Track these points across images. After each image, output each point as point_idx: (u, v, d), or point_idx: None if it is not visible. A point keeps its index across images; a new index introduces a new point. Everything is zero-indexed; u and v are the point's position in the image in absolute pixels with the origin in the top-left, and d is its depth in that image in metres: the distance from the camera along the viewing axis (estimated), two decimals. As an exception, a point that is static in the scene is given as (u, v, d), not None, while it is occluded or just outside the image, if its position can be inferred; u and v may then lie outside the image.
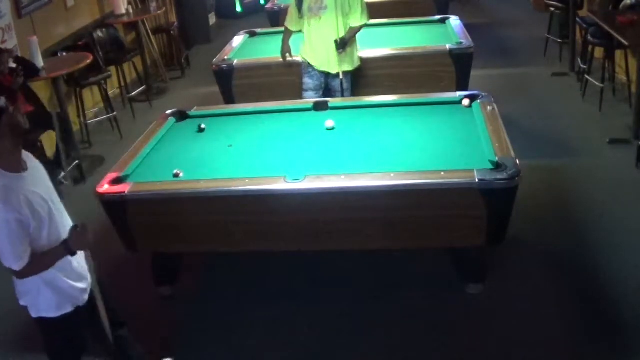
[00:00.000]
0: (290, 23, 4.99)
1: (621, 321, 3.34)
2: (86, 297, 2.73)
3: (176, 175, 3.53)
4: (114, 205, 3.45)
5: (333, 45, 4.75)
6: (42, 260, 2.49)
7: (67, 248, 2.50)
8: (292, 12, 4.93)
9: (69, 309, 2.67)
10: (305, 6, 4.81)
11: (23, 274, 2.48)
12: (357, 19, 4.78)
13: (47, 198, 2.53)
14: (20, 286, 2.63)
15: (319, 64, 4.90)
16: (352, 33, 4.81)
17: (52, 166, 5.22)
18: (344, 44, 4.78)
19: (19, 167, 2.48)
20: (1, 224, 2.37)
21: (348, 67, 4.92)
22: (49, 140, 5.44)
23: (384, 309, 3.61)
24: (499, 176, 3.14)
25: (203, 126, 4.17)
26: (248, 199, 3.37)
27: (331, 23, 4.74)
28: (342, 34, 4.75)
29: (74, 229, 2.53)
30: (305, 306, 3.69)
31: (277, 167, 3.55)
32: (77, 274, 2.68)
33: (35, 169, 2.59)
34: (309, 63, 4.97)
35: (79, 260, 2.68)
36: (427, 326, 3.44)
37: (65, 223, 2.65)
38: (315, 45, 4.87)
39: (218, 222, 3.50)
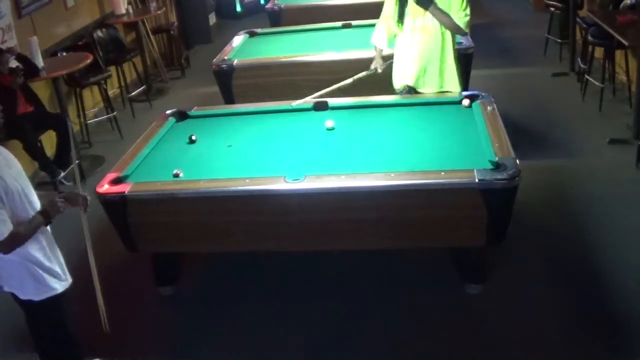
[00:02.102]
0: (383, 39, 4.45)
1: (621, 321, 3.34)
2: (69, 280, 2.89)
3: (176, 175, 3.53)
4: (114, 205, 3.45)
5: (441, 60, 4.24)
6: (21, 229, 2.61)
7: (46, 215, 2.71)
8: (388, 22, 4.36)
9: (57, 289, 2.79)
10: (405, 20, 4.23)
11: (8, 244, 2.58)
12: (455, 16, 4.11)
13: (19, 181, 2.69)
14: (3, 270, 2.72)
15: (427, 85, 4.35)
16: (444, 19, 4.10)
17: (52, 166, 5.22)
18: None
19: None
20: None
21: (454, 88, 4.33)
22: (49, 140, 5.44)
23: (384, 309, 3.61)
24: (499, 176, 3.14)
25: (194, 137, 4.02)
26: (248, 199, 3.37)
27: (437, 33, 4.18)
28: (448, 46, 4.23)
29: (50, 197, 2.78)
30: (305, 306, 3.68)
31: (277, 167, 3.55)
32: (59, 260, 2.86)
33: (6, 155, 2.71)
34: (407, 87, 4.37)
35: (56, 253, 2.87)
36: (427, 326, 3.44)
37: (35, 207, 2.78)
38: (418, 62, 4.29)
39: (218, 222, 3.50)
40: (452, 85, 4.36)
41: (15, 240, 2.60)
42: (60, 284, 2.83)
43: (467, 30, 4.22)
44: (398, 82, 4.45)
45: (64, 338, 2.94)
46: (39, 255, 2.73)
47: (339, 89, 4.58)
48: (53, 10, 6.21)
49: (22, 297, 2.77)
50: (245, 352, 3.41)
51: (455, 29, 4.20)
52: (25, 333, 3.03)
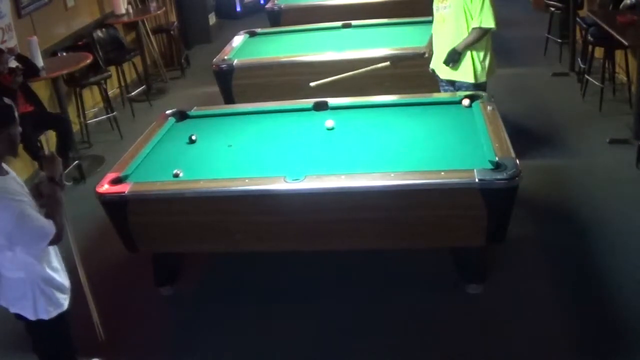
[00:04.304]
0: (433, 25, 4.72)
1: (621, 321, 3.34)
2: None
3: (176, 175, 3.53)
4: (114, 205, 3.45)
5: (447, 48, 4.45)
6: (57, 218, 2.57)
7: (50, 178, 2.64)
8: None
9: (64, 305, 2.73)
10: (434, 5, 4.58)
11: (59, 233, 2.57)
12: (476, 20, 4.33)
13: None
14: (11, 292, 2.64)
15: (441, 70, 4.62)
16: (468, 41, 4.38)
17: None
18: (453, 57, 4.42)
19: (3, 171, 2.56)
20: (20, 216, 2.43)
21: (464, 78, 4.52)
22: (49, 141, 5.44)
23: (384, 309, 3.60)
24: (499, 176, 3.14)
25: (194, 137, 4.02)
26: (248, 199, 3.37)
27: (454, 25, 4.40)
28: (461, 34, 4.41)
29: (43, 158, 2.74)
30: (305, 306, 3.68)
31: (277, 167, 3.55)
32: (63, 271, 2.79)
33: (12, 175, 2.63)
34: (433, 71, 4.71)
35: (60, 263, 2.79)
36: (427, 326, 3.44)
37: None
38: (437, 48, 4.61)
39: (218, 222, 3.50)
40: (464, 76, 4.53)
41: (60, 228, 2.56)
42: (66, 299, 2.76)
43: (489, 26, 4.36)
44: (431, 64, 4.76)
45: (68, 350, 2.89)
46: (49, 271, 2.66)
47: (373, 70, 4.78)
48: (53, 10, 6.21)
49: (33, 317, 2.67)
50: (245, 352, 3.41)
51: (481, 36, 4.41)
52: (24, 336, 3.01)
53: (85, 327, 3.30)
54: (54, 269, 2.70)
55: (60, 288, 2.72)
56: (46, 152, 2.83)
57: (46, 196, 2.66)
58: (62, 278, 2.76)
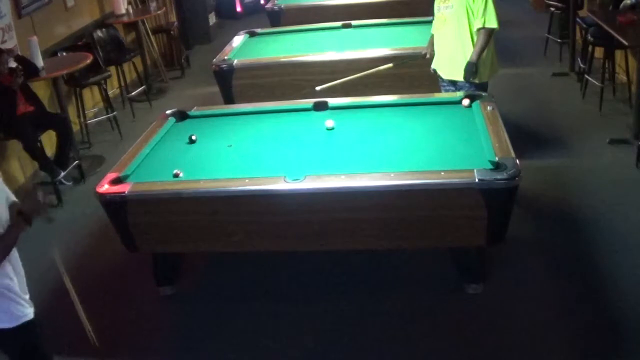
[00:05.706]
0: (433, 26, 4.70)
1: (621, 321, 3.34)
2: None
3: (176, 175, 3.53)
4: (114, 205, 3.45)
5: (455, 50, 4.44)
6: (6, 239, 2.44)
7: (25, 217, 2.50)
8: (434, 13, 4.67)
9: (29, 314, 2.59)
10: (435, 5, 4.58)
11: None
12: (479, 21, 4.32)
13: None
14: None
15: (443, 70, 4.62)
16: (479, 47, 4.34)
17: (52, 166, 5.22)
18: (471, 69, 4.38)
19: None
20: None
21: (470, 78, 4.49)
22: (49, 141, 5.44)
23: (384, 309, 3.60)
24: (499, 176, 3.14)
25: (194, 137, 4.02)
26: (248, 199, 3.37)
27: (455, 25, 4.41)
28: (466, 39, 4.40)
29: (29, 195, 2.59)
30: (305, 306, 3.68)
31: (277, 167, 3.55)
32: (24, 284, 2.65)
33: None
34: (435, 71, 4.72)
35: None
36: (427, 326, 3.44)
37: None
38: (439, 49, 4.60)
39: (218, 222, 3.50)
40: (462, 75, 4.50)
41: (2, 254, 2.42)
42: (30, 310, 2.61)
43: (492, 26, 4.35)
44: (433, 64, 4.76)
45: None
46: (7, 280, 2.51)
47: (377, 72, 4.81)
48: (53, 10, 6.21)
49: (13, 323, 2.53)
50: (245, 352, 3.41)
51: (489, 38, 4.41)
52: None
53: (80, 335, 3.29)
54: (11, 279, 2.53)
55: (21, 296, 2.57)
56: (34, 185, 2.66)
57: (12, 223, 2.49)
58: (24, 292, 2.61)
